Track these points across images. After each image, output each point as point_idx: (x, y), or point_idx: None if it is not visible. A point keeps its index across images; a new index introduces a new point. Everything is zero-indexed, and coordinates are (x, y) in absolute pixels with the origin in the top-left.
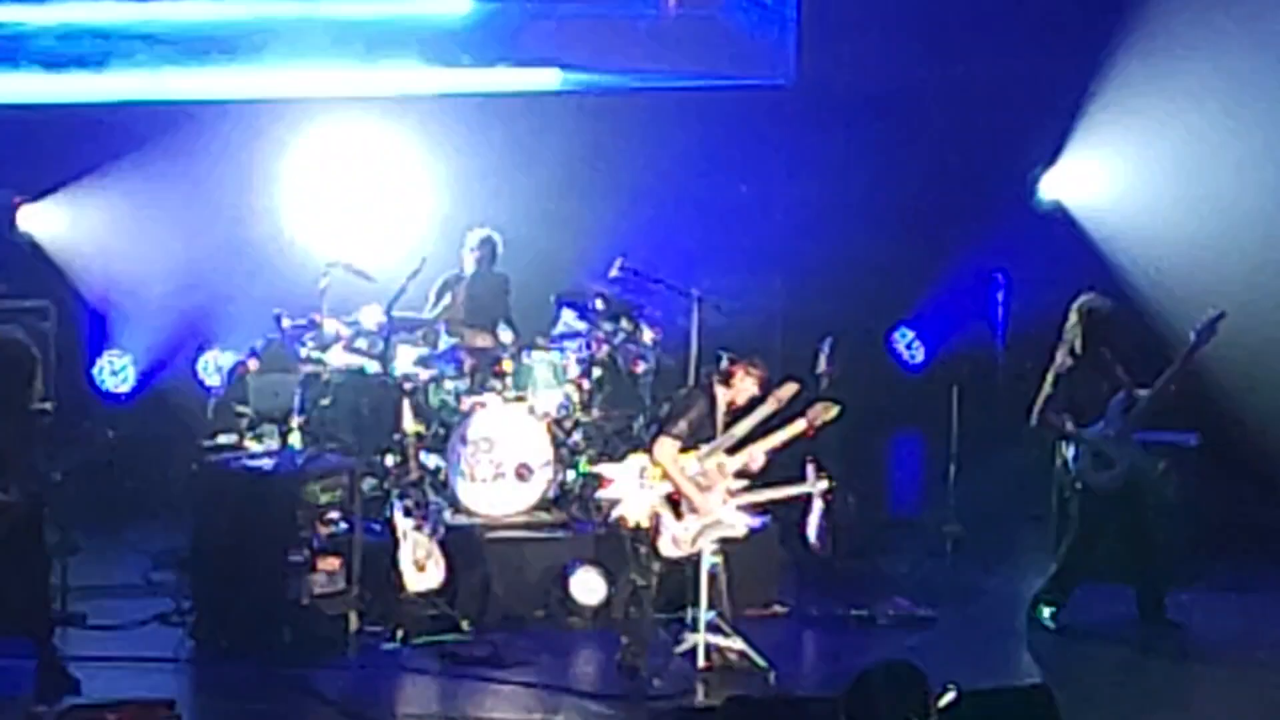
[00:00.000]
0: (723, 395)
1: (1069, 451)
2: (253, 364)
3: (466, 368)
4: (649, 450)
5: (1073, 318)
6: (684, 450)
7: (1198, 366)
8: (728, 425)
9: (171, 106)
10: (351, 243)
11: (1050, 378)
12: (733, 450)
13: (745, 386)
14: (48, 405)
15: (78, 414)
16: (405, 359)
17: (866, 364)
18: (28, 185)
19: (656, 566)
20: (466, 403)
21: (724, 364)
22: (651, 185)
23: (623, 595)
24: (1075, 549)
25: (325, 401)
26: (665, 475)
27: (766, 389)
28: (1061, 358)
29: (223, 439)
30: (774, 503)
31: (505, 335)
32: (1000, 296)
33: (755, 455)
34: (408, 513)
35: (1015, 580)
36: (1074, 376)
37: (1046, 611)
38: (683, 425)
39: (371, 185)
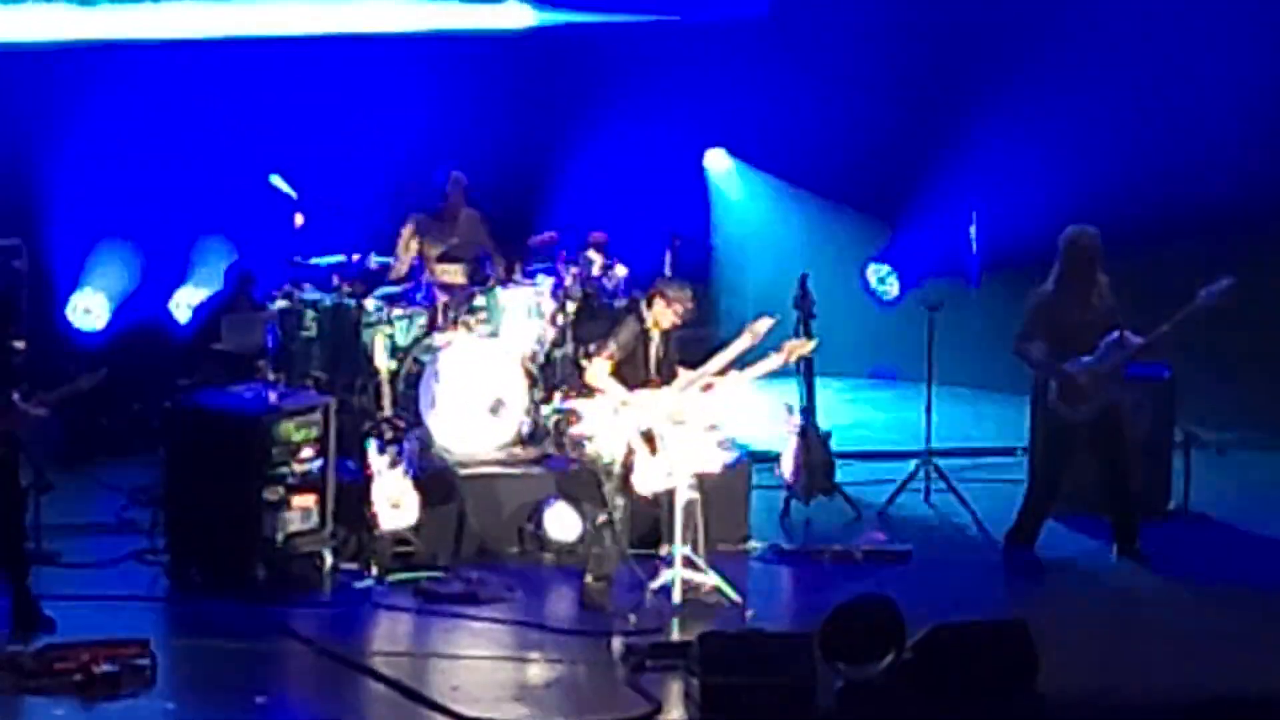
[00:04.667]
0: (647, 318)
1: (1045, 382)
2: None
3: (439, 304)
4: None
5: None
6: (636, 385)
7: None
8: (657, 352)
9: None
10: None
11: (1028, 308)
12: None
13: (664, 313)
14: (20, 344)
15: (58, 354)
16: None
17: (841, 298)
18: None
19: (624, 502)
20: (440, 339)
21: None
22: (626, 120)
23: (596, 532)
24: (1042, 480)
25: (301, 336)
26: (599, 392)
27: (688, 317)
28: (1041, 288)
29: None
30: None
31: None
32: (974, 230)
33: (735, 386)
34: (382, 450)
35: (992, 514)
36: (1052, 307)
37: (1020, 544)
38: (612, 346)
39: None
